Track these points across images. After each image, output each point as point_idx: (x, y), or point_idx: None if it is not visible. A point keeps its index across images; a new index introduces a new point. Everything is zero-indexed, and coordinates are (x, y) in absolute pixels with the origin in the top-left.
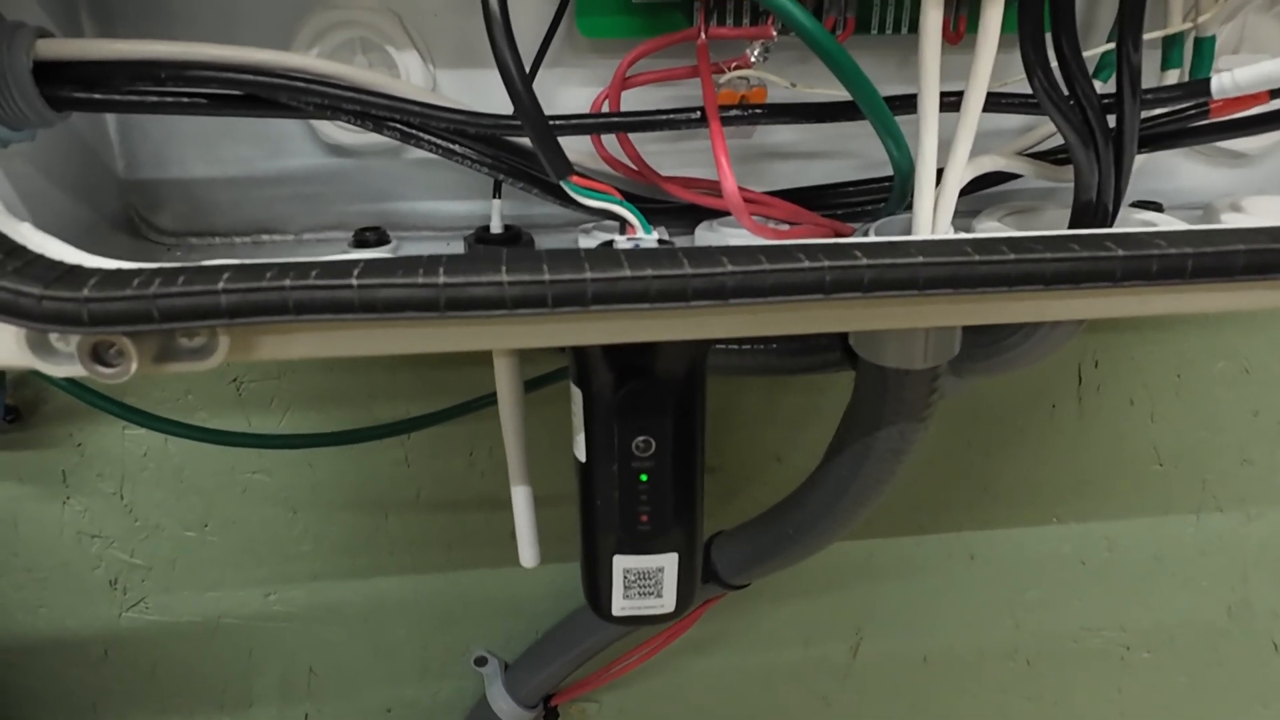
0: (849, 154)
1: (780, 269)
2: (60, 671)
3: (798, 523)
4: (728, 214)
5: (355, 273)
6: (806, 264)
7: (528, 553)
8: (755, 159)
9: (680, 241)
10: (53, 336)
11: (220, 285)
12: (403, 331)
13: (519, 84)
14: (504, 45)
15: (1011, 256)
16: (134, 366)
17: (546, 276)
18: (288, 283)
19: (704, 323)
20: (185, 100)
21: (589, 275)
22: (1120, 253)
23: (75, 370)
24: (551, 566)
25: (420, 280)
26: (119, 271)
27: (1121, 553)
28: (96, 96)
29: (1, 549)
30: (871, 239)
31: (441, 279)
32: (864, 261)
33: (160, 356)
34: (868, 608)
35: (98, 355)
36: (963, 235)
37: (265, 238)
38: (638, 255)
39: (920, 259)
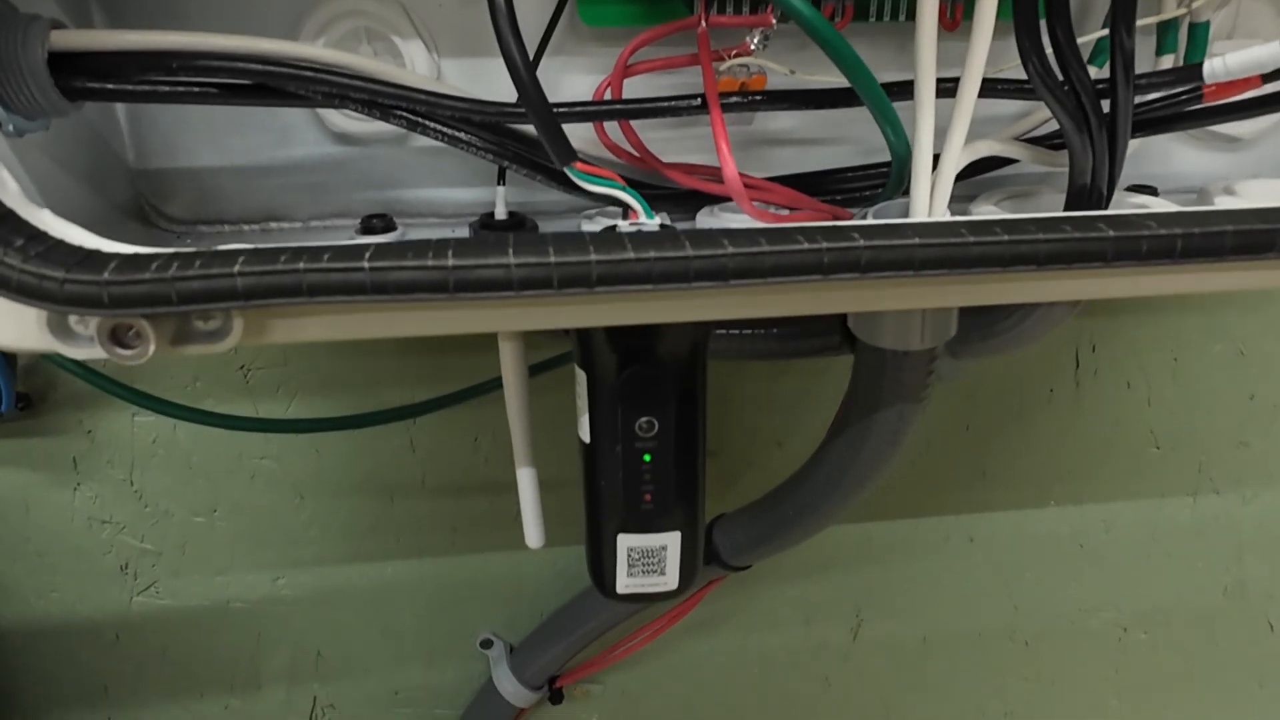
0: (848, 140)
1: (780, 250)
2: (72, 655)
3: (798, 504)
4: (729, 199)
5: (367, 256)
6: (805, 245)
7: (533, 533)
8: (756, 145)
9: (682, 227)
10: (72, 319)
11: (236, 268)
12: (412, 314)
13: (523, 73)
14: (509, 35)
15: (1005, 238)
16: (151, 348)
17: (552, 259)
18: (302, 265)
19: (706, 304)
20: (196, 90)
21: (594, 257)
22: (1111, 233)
23: (94, 353)
24: (555, 550)
25: (430, 263)
26: (137, 256)
27: (1118, 534)
28: (110, 86)
29: (14, 534)
30: (869, 222)
31: (451, 261)
32: (861, 243)
33: (177, 339)
34: (868, 589)
35: (116, 337)
36: (958, 218)
37: (273, 225)
38: (641, 238)
39: (916, 240)
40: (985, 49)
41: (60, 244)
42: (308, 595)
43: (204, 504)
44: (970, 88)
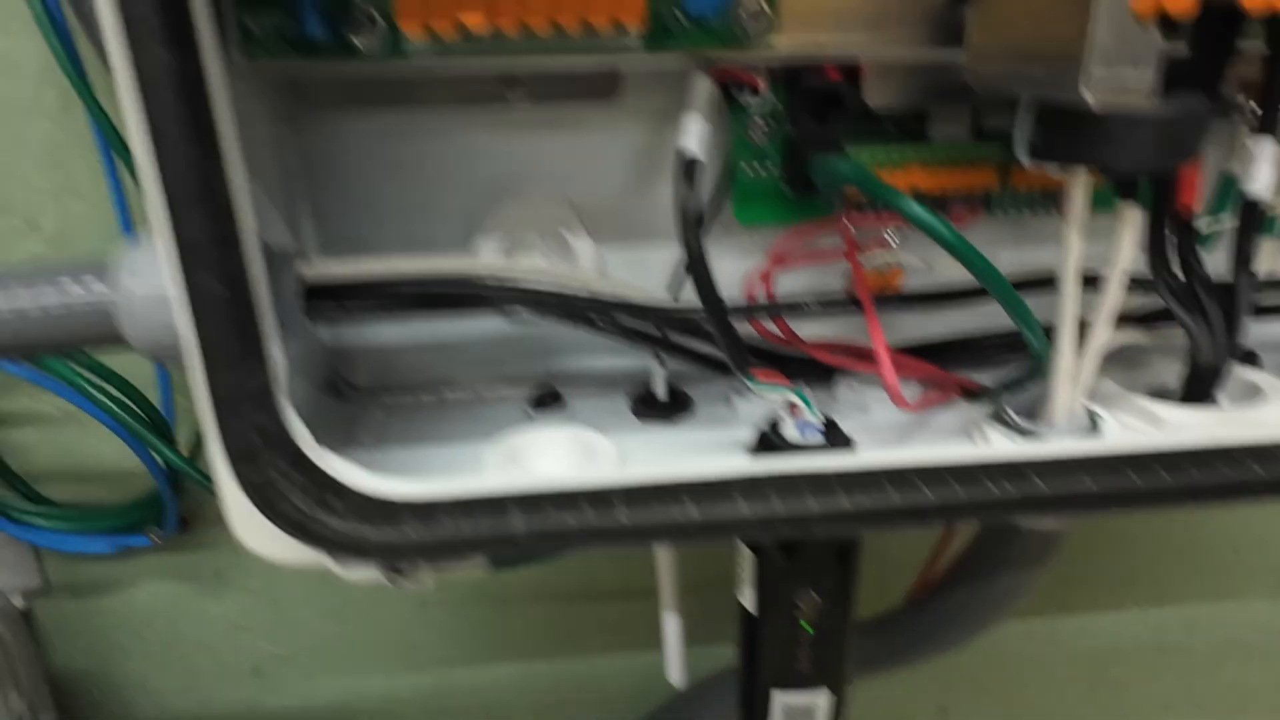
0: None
1: (973, 502)
2: None
3: (912, 637)
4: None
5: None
6: (997, 494)
7: (676, 674)
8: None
9: (818, 397)
10: None
11: (513, 520)
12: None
13: (710, 293)
14: (704, 278)
15: (1169, 480)
16: (430, 580)
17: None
18: (571, 521)
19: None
20: (408, 306)
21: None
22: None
23: (373, 578)
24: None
25: (679, 518)
26: (428, 508)
27: (1199, 636)
28: (348, 307)
29: (158, 640)
30: (1044, 456)
31: (696, 514)
32: (1043, 487)
33: (444, 567)
34: (953, 686)
35: (396, 568)
36: (1120, 450)
37: (447, 394)
38: (850, 481)
39: (1094, 489)
40: (1129, 260)
41: (354, 496)
42: (426, 697)
43: (332, 610)
44: (1114, 294)
